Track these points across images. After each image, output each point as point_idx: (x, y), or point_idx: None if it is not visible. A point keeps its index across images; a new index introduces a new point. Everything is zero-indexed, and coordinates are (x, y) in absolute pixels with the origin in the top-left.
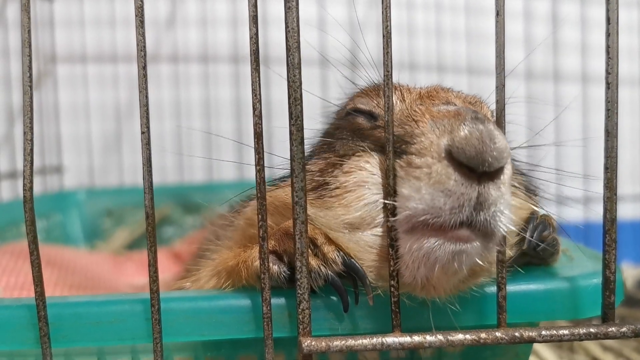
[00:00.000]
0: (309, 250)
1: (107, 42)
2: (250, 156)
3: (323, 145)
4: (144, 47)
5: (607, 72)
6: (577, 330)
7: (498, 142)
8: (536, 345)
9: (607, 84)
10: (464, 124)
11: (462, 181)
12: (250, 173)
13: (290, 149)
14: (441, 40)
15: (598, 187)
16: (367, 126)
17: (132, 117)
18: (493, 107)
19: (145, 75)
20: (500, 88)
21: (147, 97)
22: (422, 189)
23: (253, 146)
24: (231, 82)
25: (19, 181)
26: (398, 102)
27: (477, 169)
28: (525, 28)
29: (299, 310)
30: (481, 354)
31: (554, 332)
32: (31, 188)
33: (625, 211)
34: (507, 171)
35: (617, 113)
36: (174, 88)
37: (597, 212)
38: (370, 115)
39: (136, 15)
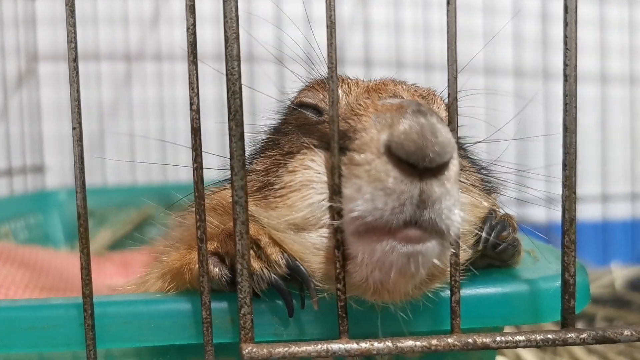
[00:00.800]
0: (252, 252)
1: (90, 41)
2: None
3: (269, 142)
4: (75, 38)
5: (565, 64)
6: (533, 337)
7: (440, 136)
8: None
9: (565, 76)
10: (405, 117)
11: (401, 178)
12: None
13: (230, 146)
14: (400, 36)
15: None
16: (313, 121)
17: (115, 116)
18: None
19: (76, 69)
20: (452, 80)
21: (78, 91)
22: (363, 188)
23: (191, 143)
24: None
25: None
26: (344, 95)
27: (417, 164)
28: (487, 23)
29: (240, 315)
30: (442, 358)
31: (509, 338)
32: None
33: (617, 211)
34: (453, 167)
35: (575, 107)
36: (158, 86)
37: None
38: (316, 110)
39: (66, 5)
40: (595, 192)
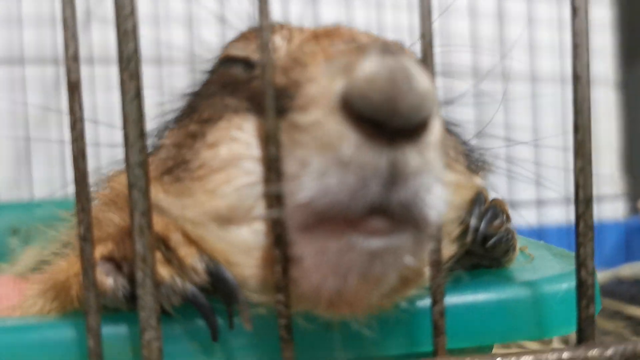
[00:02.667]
0: (159, 254)
1: (15, 43)
2: None
3: (185, 110)
4: None
5: (574, 67)
6: (545, 357)
7: (417, 84)
8: None
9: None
10: (367, 60)
11: (364, 144)
12: None
13: (122, 107)
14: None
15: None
16: (242, 78)
17: (44, 124)
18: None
19: None
20: (426, 16)
21: None
22: (310, 161)
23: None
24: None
25: None
26: (284, 42)
27: (387, 123)
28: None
29: (144, 341)
30: None
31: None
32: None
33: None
34: (435, 129)
35: (588, 109)
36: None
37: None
38: (247, 64)
39: None
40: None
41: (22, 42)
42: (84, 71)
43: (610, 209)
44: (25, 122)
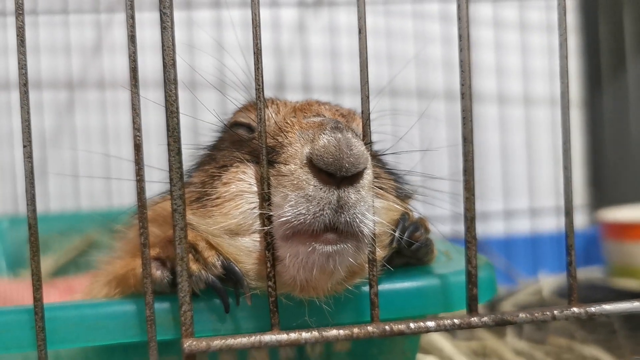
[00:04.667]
0: (191, 255)
1: (31, 69)
2: None
3: (206, 158)
4: (25, 65)
5: (461, 84)
6: (442, 322)
7: (355, 149)
8: (449, 352)
9: (462, 94)
10: (324, 133)
11: (321, 186)
12: None
13: (169, 160)
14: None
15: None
16: (245, 138)
17: (57, 143)
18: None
19: (26, 92)
20: (365, 99)
21: (28, 112)
22: (288, 196)
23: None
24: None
25: None
26: (273, 114)
27: (335, 174)
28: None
29: (181, 312)
30: (368, 351)
31: (422, 324)
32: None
33: (545, 224)
34: (367, 176)
35: (471, 121)
36: (101, 113)
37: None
38: (249, 128)
39: (17, 35)
40: (525, 207)
41: (39, 68)
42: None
43: (575, 219)
44: (41, 142)
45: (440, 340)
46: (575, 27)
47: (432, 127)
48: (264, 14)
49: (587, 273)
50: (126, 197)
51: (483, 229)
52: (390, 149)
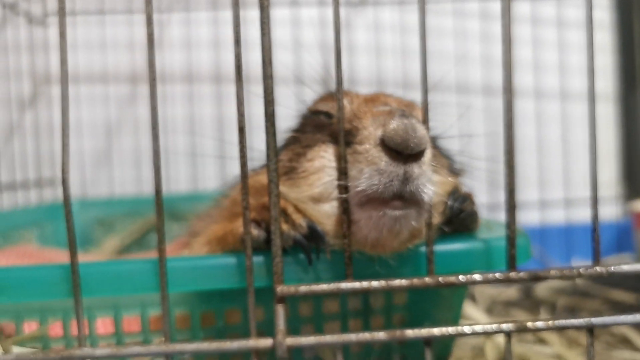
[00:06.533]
0: (282, 217)
1: (98, 64)
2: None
3: (292, 139)
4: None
5: (504, 82)
6: (486, 275)
7: (419, 132)
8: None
9: (504, 89)
10: (394, 119)
11: (391, 162)
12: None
13: (266, 140)
14: (409, 60)
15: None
16: (325, 123)
17: (120, 133)
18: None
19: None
20: (424, 92)
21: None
22: (363, 170)
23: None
24: (213, 101)
25: (18, 192)
26: (348, 104)
27: (403, 152)
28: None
29: (274, 263)
30: (422, 304)
31: (469, 276)
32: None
33: (579, 214)
34: (427, 154)
35: (512, 110)
36: (161, 106)
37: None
38: (327, 115)
39: (149, 37)
40: (560, 197)
41: (105, 64)
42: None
43: (608, 210)
44: (106, 131)
45: (476, 314)
46: (609, 24)
47: (473, 120)
48: (312, 12)
49: (619, 260)
50: (182, 184)
51: (519, 218)
52: (447, 134)
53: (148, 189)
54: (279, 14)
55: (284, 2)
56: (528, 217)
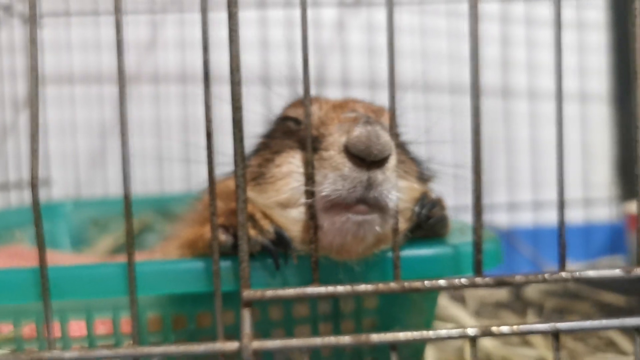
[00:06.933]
0: (249, 223)
1: (93, 65)
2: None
3: (261, 145)
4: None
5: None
6: (451, 281)
7: (381, 139)
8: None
9: (472, 90)
10: (357, 126)
11: (354, 168)
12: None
13: (233, 146)
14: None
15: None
16: (294, 129)
17: (115, 134)
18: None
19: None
20: (391, 98)
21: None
22: (328, 175)
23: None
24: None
25: (12, 192)
26: (317, 110)
27: (366, 158)
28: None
29: (241, 268)
30: (392, 309)
31: (434, 282)
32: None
33: (572, 215)
34: (392, 160)
35: (479, 116)
36: (154, 107)
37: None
38: (296, 121)
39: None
40: (553, 199)
41: (100, 64)
42: None
43: (601, 211)
44: (101, 132)
45: (462, 316)
46: (604, 24)
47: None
48: (279, 14)
49: (610, 261)
50: (176, 184)
51: (512, 219)
52: (417, 139)
53: (142, 188)
54: (246, 15)
55: (251, 3)
56: (522, 218)
